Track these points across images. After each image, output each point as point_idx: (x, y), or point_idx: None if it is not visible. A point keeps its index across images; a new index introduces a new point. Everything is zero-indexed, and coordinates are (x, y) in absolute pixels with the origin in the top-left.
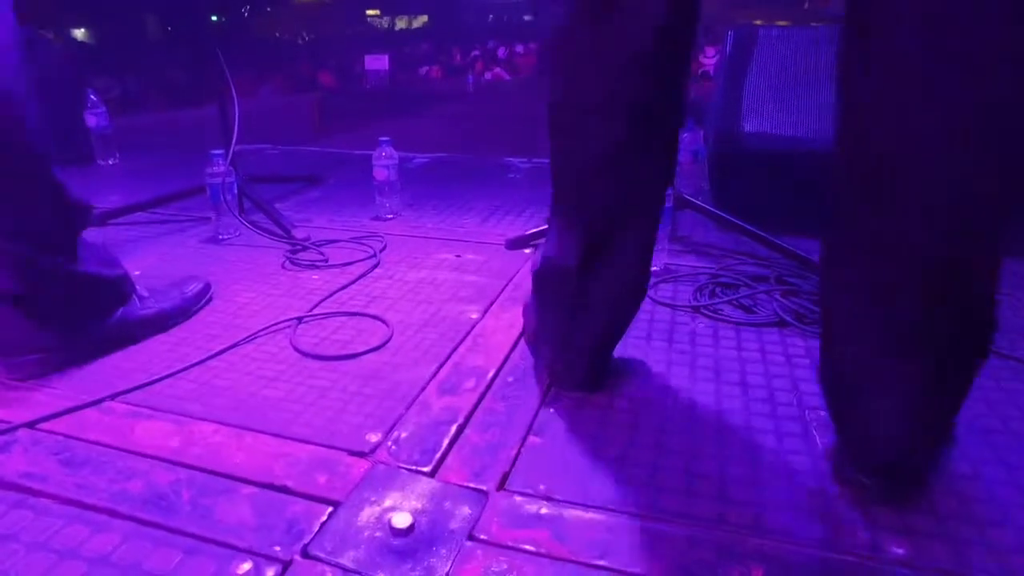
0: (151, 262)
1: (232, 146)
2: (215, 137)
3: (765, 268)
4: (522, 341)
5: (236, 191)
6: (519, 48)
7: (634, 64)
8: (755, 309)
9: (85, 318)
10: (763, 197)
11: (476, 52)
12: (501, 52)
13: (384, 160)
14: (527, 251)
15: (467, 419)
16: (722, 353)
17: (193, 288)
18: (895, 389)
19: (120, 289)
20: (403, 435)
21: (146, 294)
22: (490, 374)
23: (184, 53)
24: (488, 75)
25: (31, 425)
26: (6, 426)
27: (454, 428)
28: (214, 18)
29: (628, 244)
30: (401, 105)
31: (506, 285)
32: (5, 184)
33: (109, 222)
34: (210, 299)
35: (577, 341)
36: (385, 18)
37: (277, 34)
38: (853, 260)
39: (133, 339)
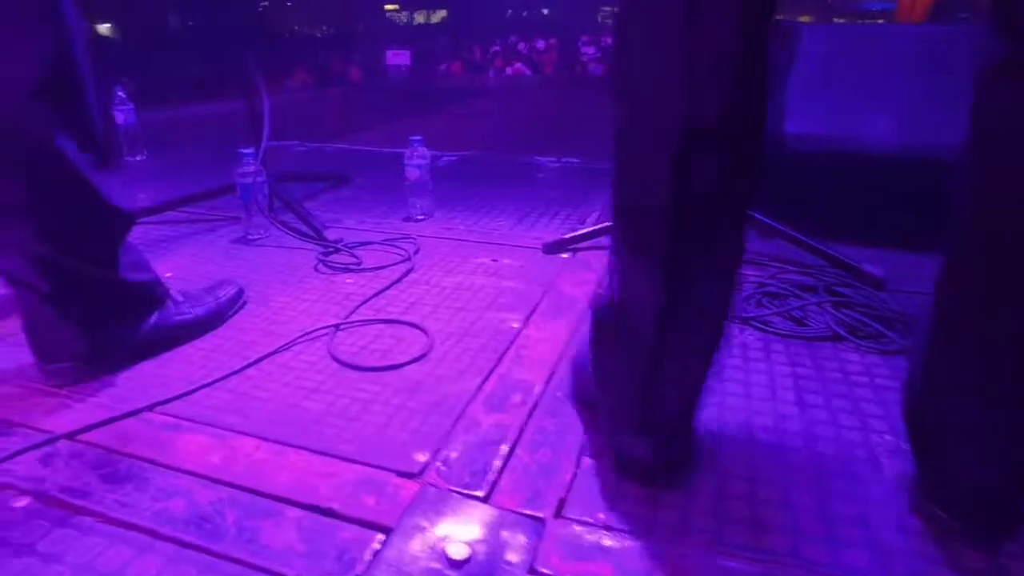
0: (183, 263)
1: (263, 145)
2: (242, 133)
3: (811, 277)
4: (567, 353)
5: (267, 191)
6: (540, 43)
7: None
8: (806, 321)
9: (121, 323)
10: (807, 202)
11: (496, 47)
12: (522, 47)
13: (416, 160)
14: (564, 255)
15: (517, 438)
16: (776, 369)
17: (227, 292)
18: (1000, 437)
19: (155, 294)
20: (452, 455)
21: (180, 299)
22: (537, 389)
23: (207, 47)
24: (509, 71)
25: (71, 436)
26: (46, 436)
27: (505, 448)
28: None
29: (713, 278)
30: (423, 101)
31: (546, 292)
32: (34, 188)
33: (140, 221)
34: (244, 304)
35: (659, 405)
36: (404, 12)
37: (296, 27)
38: (979, 309)
39: (168, 345)
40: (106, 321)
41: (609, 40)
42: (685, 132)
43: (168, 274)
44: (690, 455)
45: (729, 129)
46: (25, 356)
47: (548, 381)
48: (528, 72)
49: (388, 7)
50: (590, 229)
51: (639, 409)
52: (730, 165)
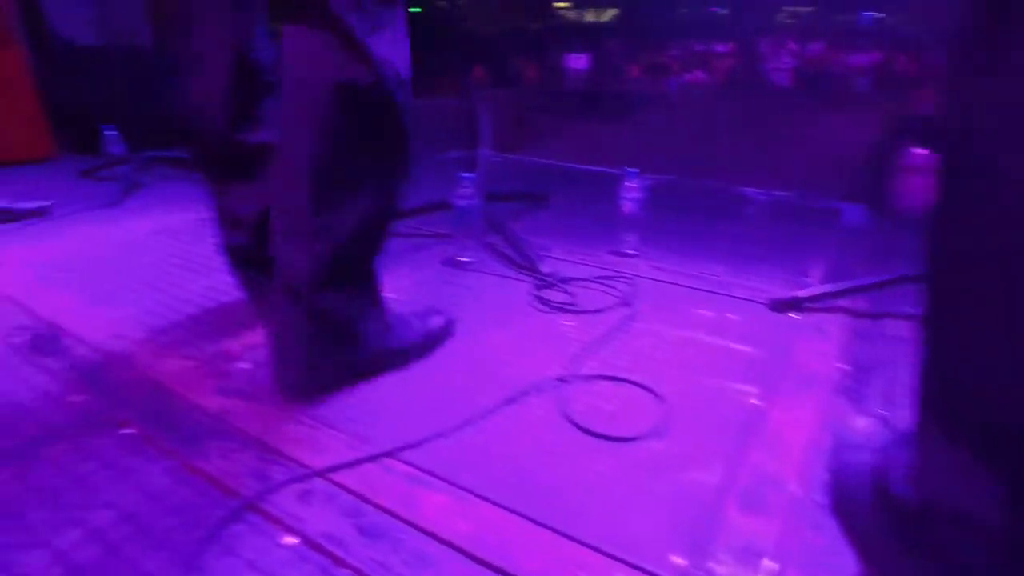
0: (401, 284)
1: (481, 171)
2: (441, 134)
3: None
4: (817, 442)
5: (480, 215)
6: (717, 47)
7: None
8: None
9: (352, 347)
10: None
11: (674, 51)
12: (699, 51)
13: (633, 193)
14: (793, 315)
15: (783, 553)
16: None
17: (436, 322)
18: None
19: (384, 318)
20: (716, 568)
21: (393, 321)
22: (792, 488)
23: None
24: (687, 77)
25: (323, 475)
26: (304, 471)
27: (771, 565)
28: (414, 9)
29: None
30: (602, 108)
31: (781, 361)
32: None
33: None
34: (450, 334)
35: None
36: (574, 10)
37: (470, 24)
38: None
39: (378, 369)
40: (342, 346)
41: (794, 44)
42: None
43: (392, 295)
44: None
45: None
46: (263, 373)
47: (802, 478)
48: (706, 80)
49: (558, 4)
50: (827, 289)
51: None
52: None
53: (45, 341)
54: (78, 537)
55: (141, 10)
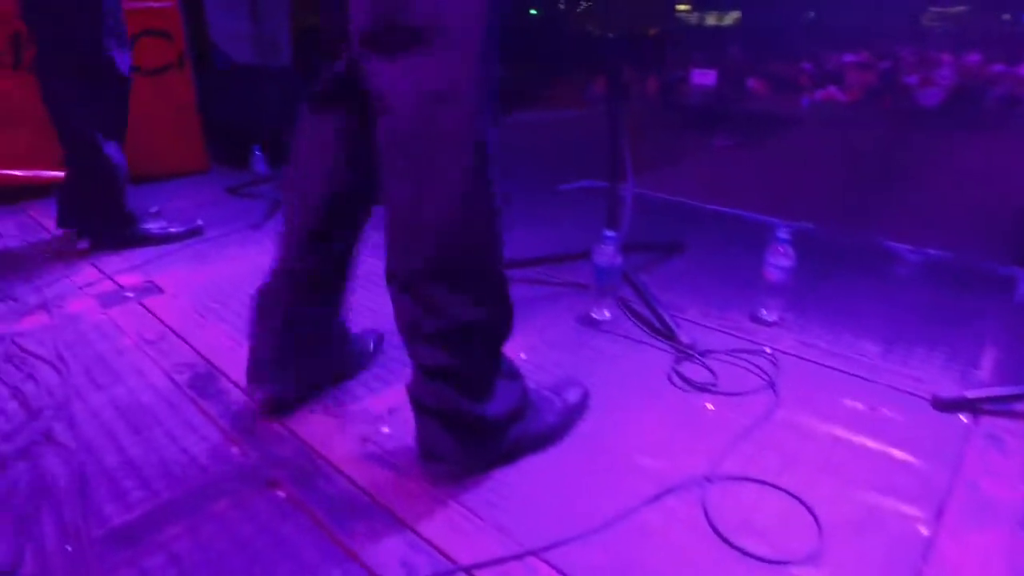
0: (534, 343)
1: (623, 226)
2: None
3: None
4: None
5: (620, 273)
6: (848, 57)
7: None
8: None
9: (492, 440)
10: None
11: (806, 64)
12: (831, 64)
13: (782, 261)
14: (962, 417)
15: None
16: None
17: (575, 396)
18: None
19: (524, 398)
20: None
21: (536, 400)
22: None
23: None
24: (819, 94)
25: (468, 571)
26: (448, 565)
27: None
28: (532, 12)
29: None
30: (727, 129)
31: (950, 477)
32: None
33: None
34: (587, 408)
35: None
36: (695, 14)
37: (590, 28)
38: None
39: (520, 452)
40: (478, 436)
41: (948, 56)
42: None
43: (522, 355)
44: None
45: None
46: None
47: None
48: (842, 98)
49: (679, 7)
50: (1004, 392)
51: None
52: None
53: (204, 381)
54: None
55: (287, 28)
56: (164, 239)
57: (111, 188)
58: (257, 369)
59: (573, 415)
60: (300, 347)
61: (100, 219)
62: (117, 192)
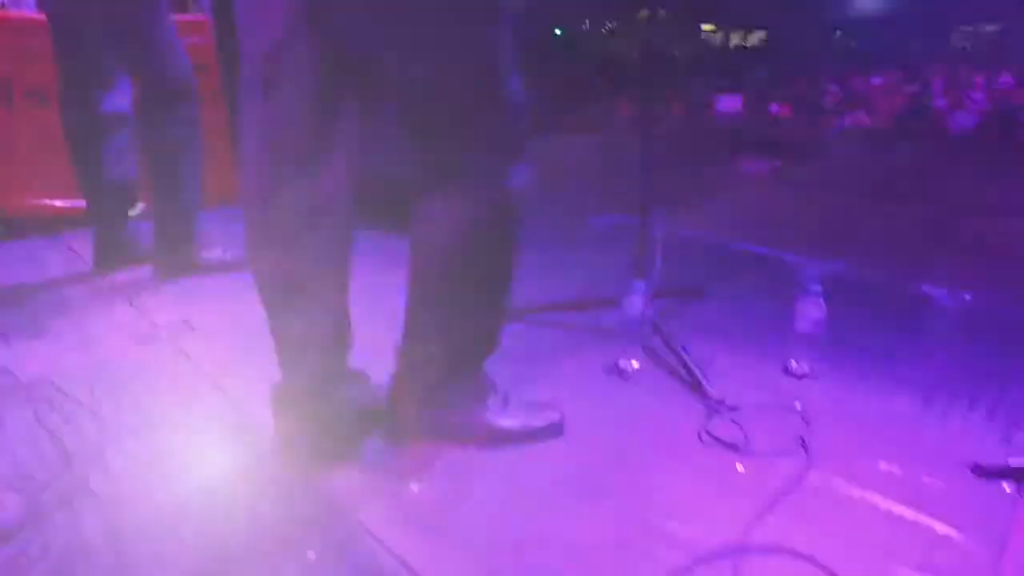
0: (564, 396)
1: (654, 281)
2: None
3: None
4: None
5: (649, 323)
6: (876, 80)
7: None
8: None
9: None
10: None
11: (834, 86)
12: (858, 88)
13: (813, 314)
14: (1007, 487)
15: None
16: None
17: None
18: None
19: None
20: None
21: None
22: None
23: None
24: (847, 120)
25: None
26: None
27: None
28: (557, 31)
29: None
30: (754, 155)
31: (995, 555)
32: None
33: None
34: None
35: None
36: (720, 33)
37: (614, 48)
38: None
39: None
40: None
41: (982, 79)
42: None
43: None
44: None
45: None
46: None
47: None
48: (869, 123)
49: (705, 27)
50: None
51: None
52: None
53: (235, 432)
54: None
55: None
56: (219, 267)
57: (188, 216)
58: None
59: (535, 434)
60: None
61: (166, 245)
62: (193, 220)
